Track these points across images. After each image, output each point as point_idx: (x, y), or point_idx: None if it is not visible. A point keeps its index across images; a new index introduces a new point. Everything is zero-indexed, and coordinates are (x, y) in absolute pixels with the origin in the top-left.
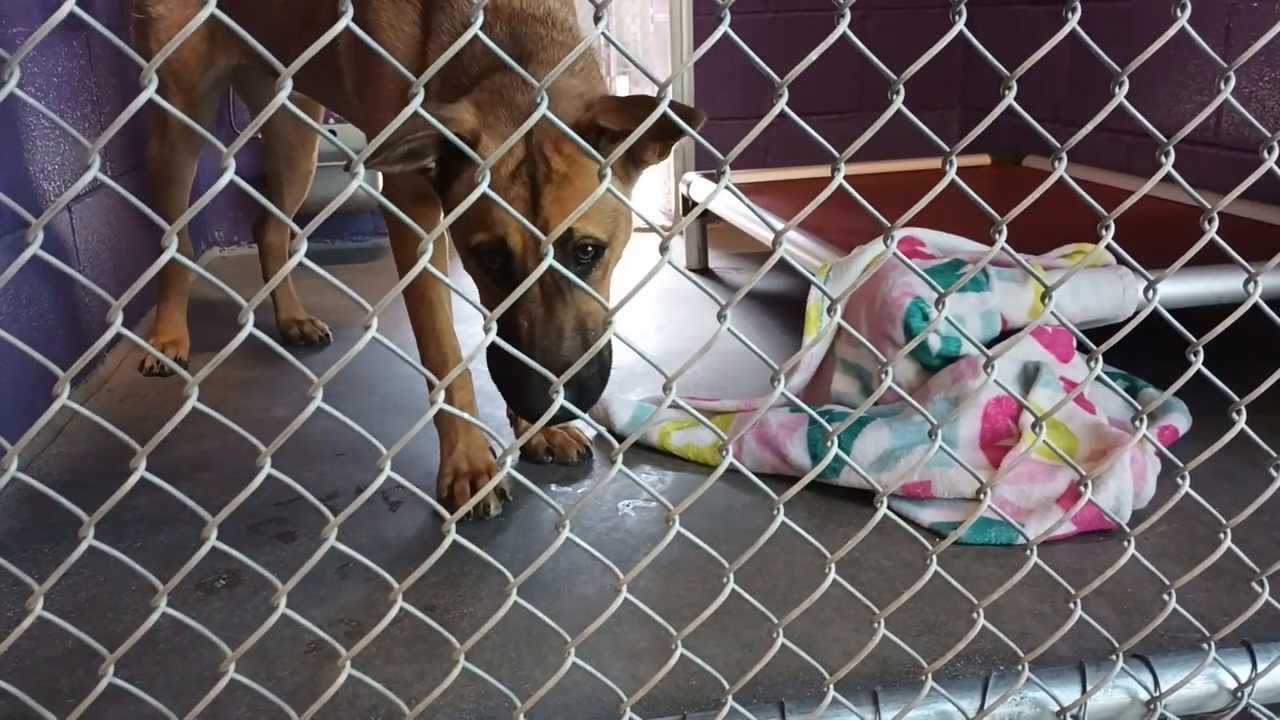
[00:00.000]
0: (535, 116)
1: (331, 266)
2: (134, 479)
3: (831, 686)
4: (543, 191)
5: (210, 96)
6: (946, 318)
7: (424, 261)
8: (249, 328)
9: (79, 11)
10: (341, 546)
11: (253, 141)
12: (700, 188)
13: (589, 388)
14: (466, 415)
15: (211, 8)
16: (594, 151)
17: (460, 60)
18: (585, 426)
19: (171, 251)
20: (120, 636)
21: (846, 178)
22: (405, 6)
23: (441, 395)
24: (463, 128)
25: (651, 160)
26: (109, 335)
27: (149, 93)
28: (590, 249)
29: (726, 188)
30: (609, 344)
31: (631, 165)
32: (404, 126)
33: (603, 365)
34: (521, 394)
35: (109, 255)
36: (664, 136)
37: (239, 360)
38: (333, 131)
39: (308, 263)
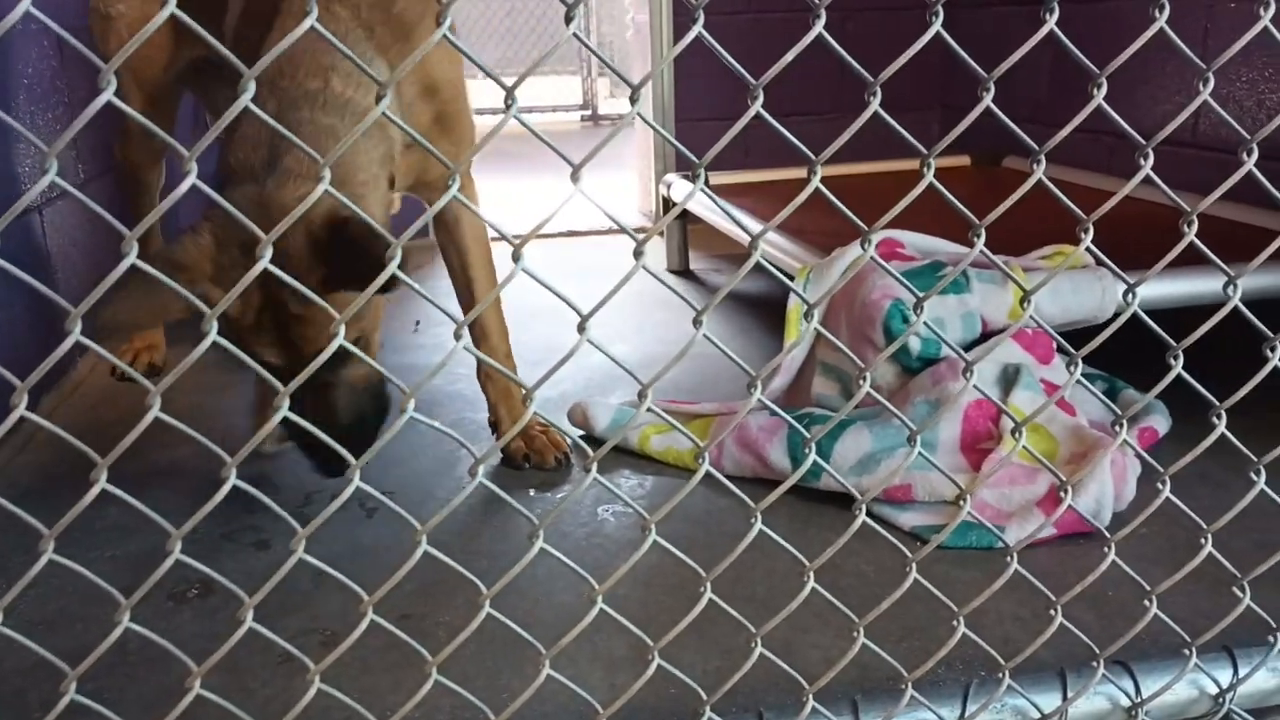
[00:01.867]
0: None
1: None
2: (94, 491)
3: (810, 696)
4: (292, 333)
5: (174, 93)
6: (925, 322)
7: (394, 261)
8: (213, 335)
9: (35, 11)
10: (310, 559)
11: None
12: (680, 189)
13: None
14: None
15: (172, 7)
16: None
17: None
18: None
19: (131, 258)
20: (90, 648)
21: (829, 179)
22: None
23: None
24: (191, 280)
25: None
26: (68, 344)
27: (107, 95)
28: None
29: (702, 190)
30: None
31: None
32: None
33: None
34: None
35: (81, 258)
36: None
37: (214, 364)
38: None
39: (272, 269)
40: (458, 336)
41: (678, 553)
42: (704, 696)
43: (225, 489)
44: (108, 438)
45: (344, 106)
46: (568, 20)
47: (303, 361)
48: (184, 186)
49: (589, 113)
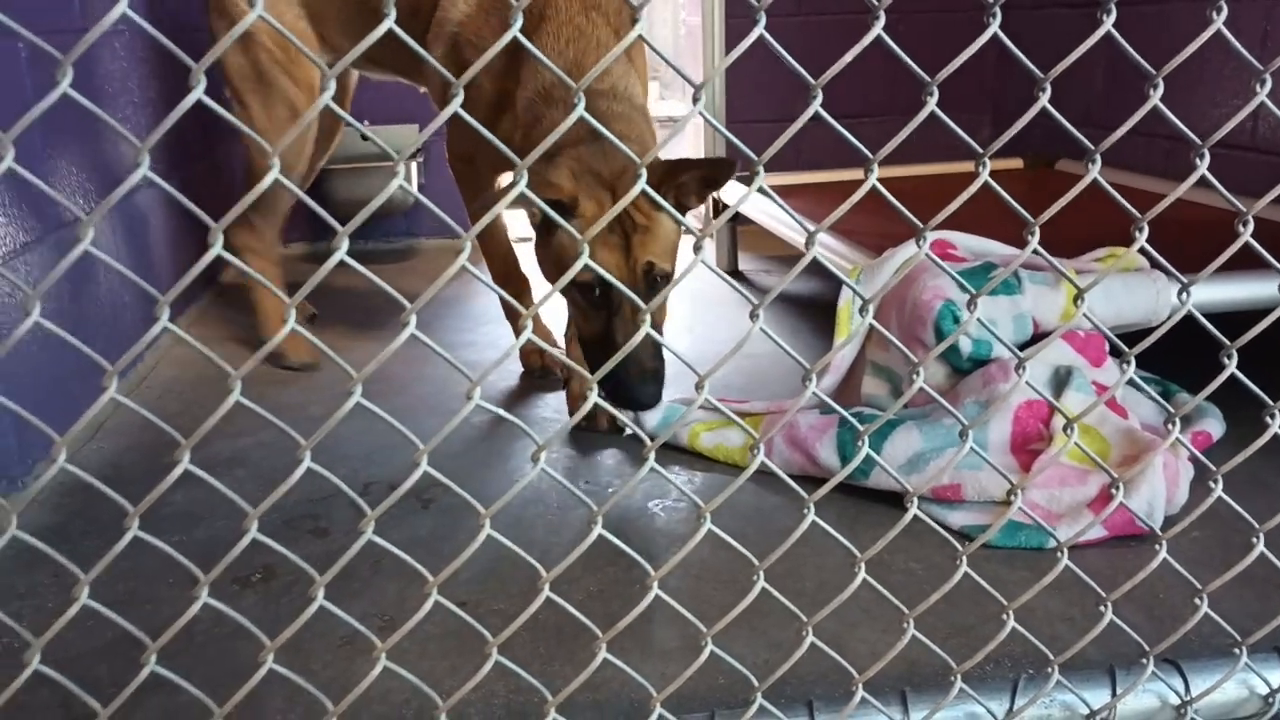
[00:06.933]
0: (634, 190)
1: (364, 267)
2: (178, 471)
3: (860, 686)
4: (633, 239)
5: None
6: (979, 319)
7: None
8: (290, 324)
9: (132, 14)
10: (378, 540)
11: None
12: (730, 190)
13: (662, 377)
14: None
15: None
16: (675, 214)
17: (542, 124)
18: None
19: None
20: (158, 629)
21: (879, 181)
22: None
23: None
24: (562, 193)
25: (695, 205)
26: (156, 329)
27: (196, 94)
28: (662, 278)
29: (760, 189)
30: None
31: (680, 211)
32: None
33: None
34: (627, 389)
35: (157, 252)
36: (706, 188)
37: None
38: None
39: (349, 261)
40: (517, 334)
41: (731, 540)
42: (755, 684)
43: (299, 471)
44: (174, 427)
45: (627, 100)
46: (633, 22)
47: (630, 268)
48: (267, 179)
49: None
